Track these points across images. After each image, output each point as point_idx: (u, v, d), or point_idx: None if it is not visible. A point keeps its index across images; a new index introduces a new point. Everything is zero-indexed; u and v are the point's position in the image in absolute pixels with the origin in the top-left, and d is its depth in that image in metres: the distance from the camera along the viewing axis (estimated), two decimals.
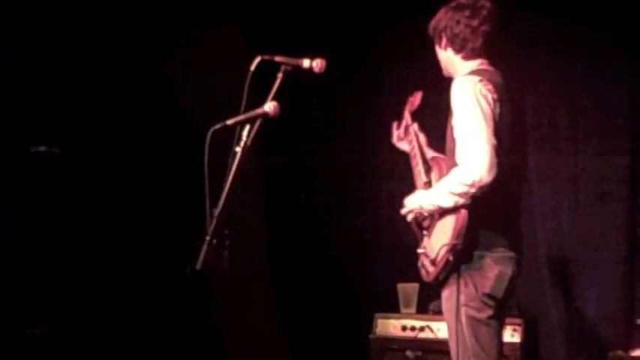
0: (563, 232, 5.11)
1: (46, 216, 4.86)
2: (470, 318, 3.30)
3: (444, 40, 3.51)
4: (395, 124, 3.91)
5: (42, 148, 4.83)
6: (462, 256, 3.27)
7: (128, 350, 4.95)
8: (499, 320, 3.38)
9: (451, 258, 3.26)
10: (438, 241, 3.35)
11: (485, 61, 3.46)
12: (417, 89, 3.93)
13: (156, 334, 5.04)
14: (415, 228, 3.58)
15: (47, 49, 4.90)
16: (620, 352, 4.58)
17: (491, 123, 3.22)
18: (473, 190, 3.18)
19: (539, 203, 5.11)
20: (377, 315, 5.06)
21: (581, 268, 5.05)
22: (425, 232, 3.48)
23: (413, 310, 5.06)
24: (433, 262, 3.36)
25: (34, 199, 4.86)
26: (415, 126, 3.85)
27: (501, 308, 3.38)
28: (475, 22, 3.43)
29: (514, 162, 3.34)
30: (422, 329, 4.88)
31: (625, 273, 4.92)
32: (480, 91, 3.26)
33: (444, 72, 3.59)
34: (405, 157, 3.88)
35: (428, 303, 4.98)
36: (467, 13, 3.44)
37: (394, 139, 3.92)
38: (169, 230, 5.06)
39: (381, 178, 5.66)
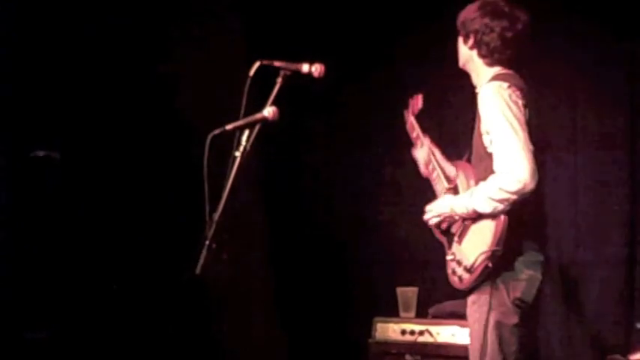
0: (563, 234, 5.11)
1: (45, 220, 4.85)
2: (497, 322, 3.26)
3: (471, 41, 3.46)
4: (414, 135, 3.86)
5: (41, 153, 4.83)
6: (502, 262, 3.22)
7: (127, 355, 4.95)
8: (525, 327, 3.33)
9: (490, 265, 3.20)
10: (474, 248, 3.29)
11: (503, 66, 3.43)
12: (419, 90, 3.90)
13: (155, 339, 5.04)
14: (438, 234, 3.54)
15: (47, 54, 4.90)
16: (618, 356, 4.58)
17: (526, 128, 3.20)
18: (515, 197, 3.15)
19: None
20: (376, 319, 5.05)
21: (581, 271, 5.05)
22: (456, 239, 3.43)
23: (412, 314, 5.06)
24: (469, 270, 3.30)
25: (34, 203, 4.86)
26: (427, 140, 3.80)
27: (529, 314, 3.34)
28: (509, 34, 3.38)
29: (540, 164, 3.28)
30: (421, 333, 4.87)
31: (624, 276, 4.92)
32: (511, 97, 3.24)
33: (460, 64, 3.55)
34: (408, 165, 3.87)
35: (427, 307, 4.98)
36: (504, 23, 3.38)
37: (415, 152, 3.86)
38: (169, 235, 5.06)
39: (381, 182, 5.66)
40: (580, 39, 5.00)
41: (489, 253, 3.20)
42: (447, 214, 3.43)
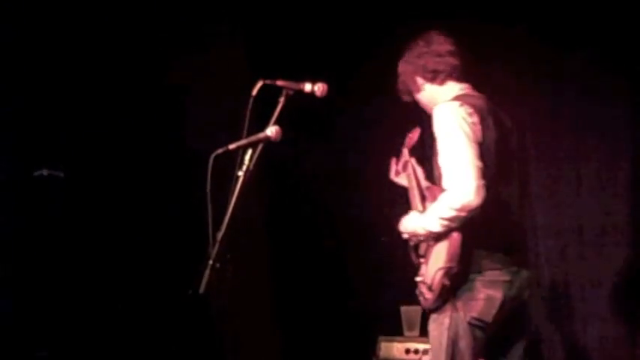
0: (567, 253, 5.11)
1: (49, 240, 4.86)
2: (452, 341, 3.30)
3: (419, 81, 3.55)
4: (393, 160, 3.93)
5: (45, 172, 4.84)
6: (459, 279, 3.27)
7: None
8: (488, 347, 3.38)
9: (447, 282, 3.26)
10: (433, 266, 3.35)
11: (468, 86, 3.49)
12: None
13: (158, 358, 5.04)
14: (413, 256, 3.60)
15: (51, 75, 4.92)
16: None
17: (474, 146, 3.23)
18: (463, 214, 3.18)
19: (543, 226, 5.13)
20: (380, 338, 5.05)
21: (584, 293, 5.05)
22: (422, 260, 3.50)
23: (416, 332, 5.05)
24: (430, 288, 3.36)
25: (37, 223, 4.87)
26: (413, 160, 3.86)
27: (497, 335, 3.37)
28: (434, 46, 3.50)
29: (504, 184, 3.36)
30: (425, 352, 4.85)
31: (627, 301, 4.92)
32: (461, 114, 3.27)
33: (429, 111, 3.54)
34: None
35: None
36: (421, 43, 3.52)
37: (392, 174, 3.93)
38: (172, 254, 5.06)
39: (383, 202, 5.66)
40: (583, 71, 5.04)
41: (444, 270, 3.24)
42: (410, 234, 3.49)
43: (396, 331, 5.10)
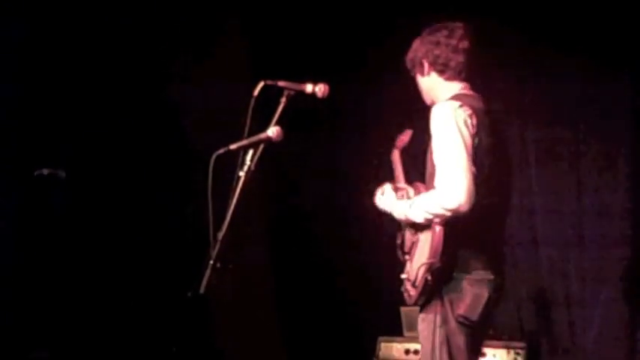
0: (568, 259, 5.12)
1: (50, 239, 4.86)
2: (444, 340, 3.31)
3: (426, 66, 3.53)
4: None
5: (46, 172, 4.84)
6: (441, 275, 3.28)
7: None
8: (474, 344, 3.40)
9: (430, 278, 3.27)
10: (417, 263, 3.37)
11: (467, 85, 3.48)
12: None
13: (158, 358, 5.04)
14: (400, 255, 3.61)
15: (54, 74, 4.93)
16: None
17: (470, 150, 3.25)
18: (449, 215, 3.22)
19: (542, 235, 5.15)
20: (380, 338, 5.06)
21: (583, 300, 5.06)
22: (407, 257, 3.51)
23: (416, 333, 5.03)
24: (413, 284, 3.38)
25: (39, 222, 4.87)
26: (398, 162, 3.91)
27: (478, 332, 3.40)
28: (454, 41, 3.46)
29: (495, 185, 3.35)
30: None
31: (626, 311, 4.93)
32: (460, 116, 3.28)
33: (427, 101, 3.57)
34: None
35: None
36: (444, 33, 3.48)
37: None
38: (173, 253, 5.07)
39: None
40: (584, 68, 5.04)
41: (427, 266, 3.26)
42: (385, 211, 3.51)
43: (395, 331, 5.11)
